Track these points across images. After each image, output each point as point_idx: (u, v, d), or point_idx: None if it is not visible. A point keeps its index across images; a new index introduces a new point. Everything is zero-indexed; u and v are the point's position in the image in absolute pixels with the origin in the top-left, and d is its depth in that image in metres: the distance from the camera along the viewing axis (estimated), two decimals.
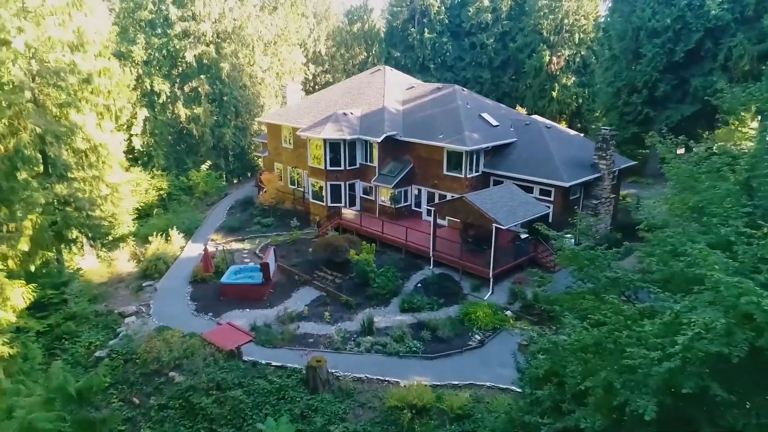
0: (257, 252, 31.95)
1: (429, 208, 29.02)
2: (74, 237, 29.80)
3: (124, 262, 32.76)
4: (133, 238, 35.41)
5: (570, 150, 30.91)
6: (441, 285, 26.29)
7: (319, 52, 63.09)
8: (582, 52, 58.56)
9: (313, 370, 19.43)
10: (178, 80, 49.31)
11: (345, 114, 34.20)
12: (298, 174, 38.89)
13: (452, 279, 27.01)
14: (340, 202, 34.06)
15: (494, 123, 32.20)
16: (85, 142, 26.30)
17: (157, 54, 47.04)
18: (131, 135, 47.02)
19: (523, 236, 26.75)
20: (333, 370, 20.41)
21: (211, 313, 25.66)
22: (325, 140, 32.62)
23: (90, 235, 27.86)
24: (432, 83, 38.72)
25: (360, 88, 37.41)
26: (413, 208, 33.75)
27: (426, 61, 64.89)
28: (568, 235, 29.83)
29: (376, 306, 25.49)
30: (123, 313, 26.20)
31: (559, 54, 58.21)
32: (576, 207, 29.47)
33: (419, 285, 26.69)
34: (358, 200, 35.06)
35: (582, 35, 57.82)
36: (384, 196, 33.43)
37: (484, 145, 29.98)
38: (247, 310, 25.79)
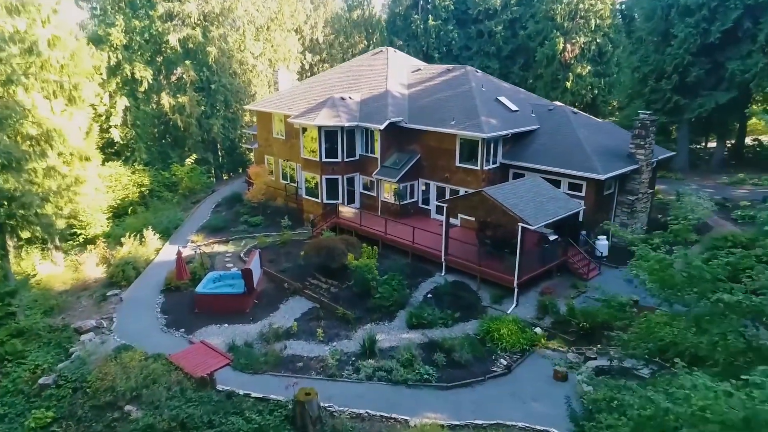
0: (242, 255, 27.93)
1: (440, 204, 24.97)
2: (28, 238, 25.93)
3: (92, 266, 28.73)
4: (104, 240, 31.43)
5: (601, 138, 26.89)
6: (455, 295, 22.30)
7: (317, 39, 59.05)
8: (598, 40, 54.44)
9: (301, 406, 15.45)
10: (162, 68, 45.32)
11: (343, 98, 30.18)
12: (290, 167, 34.89)
13: (468, 288, 23.01)
14: (337, 199, 30.05)
15: (513, 108, 28.18)
16: (35, 127, 22.30)
17: (138, 38, 42.98)
18: (110, 126, 43.16)
19: (551, 238, 22.72)
20: (326, 404, 16.45)
21: (183, 329, 21.69)
22: (319, 128, 28.58)
23: (40, 236, 23.79)
24: (441, 65, 34.70)
25: (360, 71, 33.39)
26: (420, 205, 29.71)
27: (430, 50, 60.91)
28: (602, 238, 25.89)
29: (379, 321, 21.49)
30: (79, 328, 22.19)
31: (573, 41, 54.11)
32: (610, 203, 25.60)
33: (429, 295, 22.68)
34: (357, 196, 31.04)
35: (598, 21, 53.72)
36: (387, 191, 29.42)
37: (503, 132, 25.96)
38: (226, 325, 21.80)
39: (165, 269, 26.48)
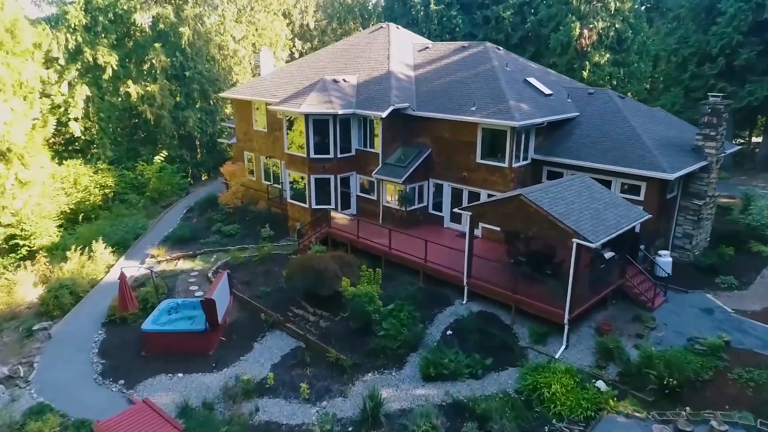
0: (210, 275, 22.48)
1: (460, 212, 19.54)
2: None
3: (29, 287, 23.27)
4: (46, 254, 26.00)
5: (657, 128, 21.73)
6: (484, 332, 16.99)
7: (307, 25, 53.65)
8: (617, 25, 49.39)
9: None
10: (133, 53, 39.80)
11: (335, 81, 24.80)
12: (274, 165, 29.48)
13: (499, 321, 17.69)
14: (329, 204, 24.66)
15: (546, 91, 22.90)
16: None
17: (101, 17, 37.48)
18: (69, 119, 37.59)
19: (607, 255, 17.44)
20: None
21: (123, 381, 16.30)
22: (306, 116, 23.18)
23: None
24: (453, 42, 29.35)
25: (357, 51, 28.02)
26: (431, 211, 24.35)
27: (432, 38, 55.47)
28: (664, 253, 20.65)
29: (385, 369, 16.17)
30: None
31: (590, 27, 49.06)
32: (672, 210, 20.39)
33: (449, 332, 17.34)
34: (353, 200, 25.67)
35: (618, 4, 48.65)
36: (390, 194, 24.07)
37: (537, 120, 20.66)
38: (180, 375, 16.43)
39: (112, 294, 20.96)
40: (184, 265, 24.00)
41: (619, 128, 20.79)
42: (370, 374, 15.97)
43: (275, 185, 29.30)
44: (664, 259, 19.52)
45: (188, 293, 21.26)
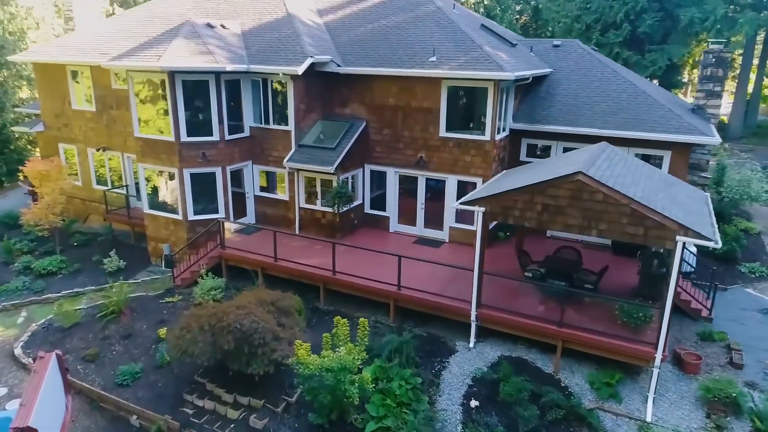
0: (18, 351, 12.82)
1: (465, 208, 12.15)
2: None
3: None
4: None
5: (649, 86, 17.58)
6: (525, 391, 10.69)
7: None
8: (486, 2, 47.28)
9: None
10: None
11: (210, 26, 16.48)
12: (111, 160, 19.90)
13: (535, 370, 11.55)
14: (216, 211, 16.33)
15: (512, 40, 17.34)
16: None
17: None
18: None
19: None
20: None
21: None
22: (171, 73, 14.62)
23: None
24: None
25: None
26: (368, 210, 17.37)
27: None
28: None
29: None
30: None
31: (461, 1, 46.01)
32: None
33: (474, 403, 10.65)
34: (251, 203, 17.62)
35: None
36: (308, 191, 16.53)
37: (528, 72, 14.89)
38: None
39: None
40: None
41: (617, 85, 16.01)
42: None
43: (117, 190, 19.71)
44: (689, 249, 15.19)
45: None
